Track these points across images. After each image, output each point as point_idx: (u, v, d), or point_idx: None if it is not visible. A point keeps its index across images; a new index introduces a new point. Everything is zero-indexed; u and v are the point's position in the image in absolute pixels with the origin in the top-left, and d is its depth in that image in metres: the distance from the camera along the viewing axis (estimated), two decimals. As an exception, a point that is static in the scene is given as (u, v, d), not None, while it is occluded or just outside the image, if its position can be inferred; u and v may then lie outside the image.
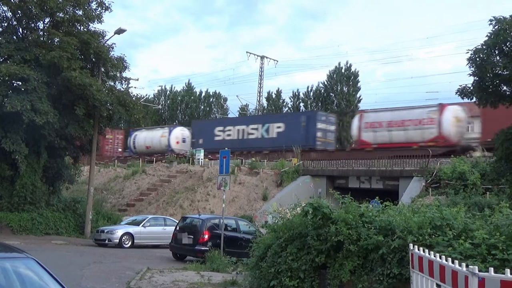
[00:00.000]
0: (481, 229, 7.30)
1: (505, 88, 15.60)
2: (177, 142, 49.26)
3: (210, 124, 51.08)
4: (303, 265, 9.14)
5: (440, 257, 6.16)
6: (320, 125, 40.18)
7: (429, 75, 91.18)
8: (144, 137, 51.92)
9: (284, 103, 70.82)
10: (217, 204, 29.36)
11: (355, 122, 37.84)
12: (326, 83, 64.13)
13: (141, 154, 50.54)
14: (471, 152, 30.05)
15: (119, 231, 21.61)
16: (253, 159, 38.30)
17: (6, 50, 22.03)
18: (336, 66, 63.37)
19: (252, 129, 44.59)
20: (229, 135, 46.02)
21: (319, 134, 39.81)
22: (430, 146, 31.75)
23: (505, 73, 14.62)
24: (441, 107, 33.23)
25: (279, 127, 42.67)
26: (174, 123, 66.31)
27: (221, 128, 47.20)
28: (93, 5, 24.20)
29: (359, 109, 53.10)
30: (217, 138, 46.43)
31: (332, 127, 41.95)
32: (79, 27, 24.06)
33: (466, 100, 17.11)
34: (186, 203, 30.71)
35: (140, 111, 25.30)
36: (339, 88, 62.93)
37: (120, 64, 24.73)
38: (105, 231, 21.69)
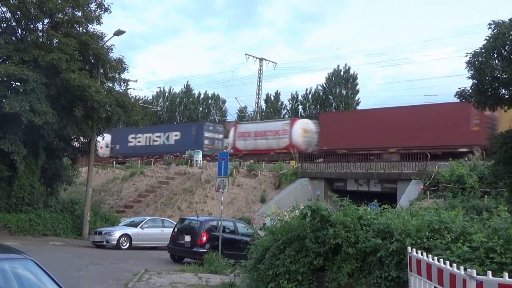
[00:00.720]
0: (479, 233, 7.31)
1: (503, 91, 15.62)
2: (101, 148, 52.67)
3: (125, 131, 55.56)
4: (301, 267, 9.13)
5: (438, 260, 6.17)
6: (207, 134, 46.45)
7: (428, 78, 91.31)
8: None
9: (283, 106, 70.90)
10: (215, 206, 29.34)
11: (231, 132, 45.45)
12: (325, 85, 64.22)
13: None
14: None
15: (117, 233, 21.58)
16: (251, 161, 38.32)
17: (5, 51, 22.01)
18: (335, 69, 63.58)
19: (157, 136, 50.91)
20: (139, 141, 52.15)
21: (206, 141, 46.09)
22: (284, 153, 38.77)
23: (504, 76, 14.63)
24: (292, 120, 41.25)
25: (176, 135, 49.02)
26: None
27: (133, 135, 52.52)
28: (92, 6, 24.22)
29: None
30: (130, 144, 52.36)
31: (220, 136, 47.70)
32: (78, 28, 24.04)
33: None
34: (184, 205, 30.69)
35: (138, 112, 25.28)
36: (337, 90, 63.02)
37: (119, 65, 24.74)
38: (103, 232, 21.65)
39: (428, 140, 31.56)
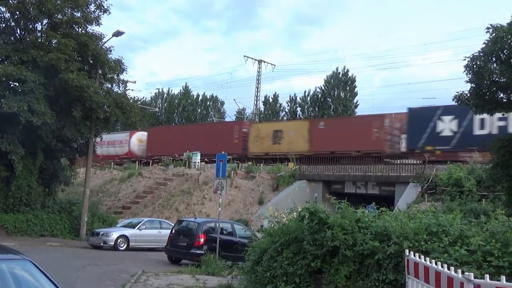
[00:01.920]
0: (476, 236, 7.31)
1: (501, 95, 15.64)
2: None
3: None
4: (299, 269, 9.12)
5: (436, 264, 6.18)
6: None
7: (426, 81, 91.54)
8: None
9: (281, 108, 70.86)
10: (213, 207, 29.33)
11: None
12: (323, 88, 64.14)
13: None
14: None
15: (114, 234, 21.54)
16: (249, 163, 38.34)
17: (3, 51, 22.00)
18: (333, 71, 63.42)
19: None
20: None
21: None
22: (125, 158, 49.37)
23: (502, 80, 14.65)
24: (131, 133, 50.04)
25: None
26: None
27: None
28: (92, 7, 24.23)
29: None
30: None
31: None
32: (77, 29, 24.04)
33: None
34: (182, 206, 30.66)
35: (137, 113, 25.28)
36: (336, 93, 63.00)
37: (118, 66, 24.73)
38: (101, 233, 21.62)
39: (211, 149, 39.19)
